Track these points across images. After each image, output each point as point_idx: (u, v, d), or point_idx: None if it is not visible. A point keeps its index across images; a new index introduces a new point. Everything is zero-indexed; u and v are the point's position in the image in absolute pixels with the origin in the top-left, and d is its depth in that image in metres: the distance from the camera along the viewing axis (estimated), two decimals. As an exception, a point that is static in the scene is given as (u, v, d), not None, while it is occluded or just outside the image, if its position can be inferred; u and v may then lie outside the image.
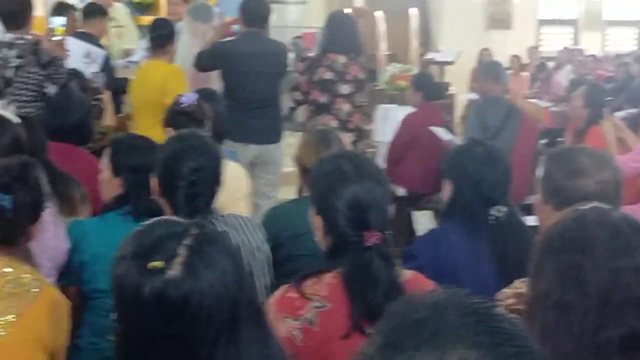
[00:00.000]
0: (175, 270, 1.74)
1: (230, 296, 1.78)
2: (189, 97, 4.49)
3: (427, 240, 3.63)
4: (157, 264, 1.74)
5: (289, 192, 7.36)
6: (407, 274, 2.61)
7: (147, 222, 1.90)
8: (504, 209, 3.47)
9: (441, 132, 7.47)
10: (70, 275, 3.62)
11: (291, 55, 7.29)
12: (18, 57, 5.66)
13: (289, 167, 8.71)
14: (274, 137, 6.86)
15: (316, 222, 2.64)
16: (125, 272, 1.77)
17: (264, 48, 6.75)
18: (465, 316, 1.06)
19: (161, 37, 6.40)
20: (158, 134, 5.90)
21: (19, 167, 2.90)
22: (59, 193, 4.01)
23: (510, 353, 1.03)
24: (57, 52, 5.83)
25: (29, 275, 2.80)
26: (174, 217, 1.93)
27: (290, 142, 10.57)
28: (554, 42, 18.00)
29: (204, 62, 6.65)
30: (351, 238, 2.51)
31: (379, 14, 11.72)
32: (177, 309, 1.73)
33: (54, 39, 5.95)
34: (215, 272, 1.76)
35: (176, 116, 4.40)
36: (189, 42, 7.07)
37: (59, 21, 6.05)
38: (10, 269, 2.77)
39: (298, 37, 8.77)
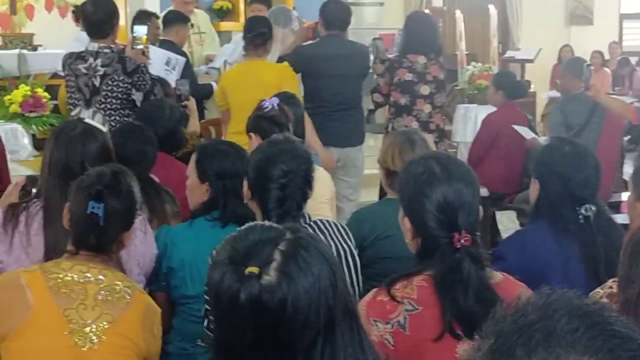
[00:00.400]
0: (270, 276, 1.75)
1: (325, 301, 1.77)
2: (271, 101, 4.50)
3: (514, 240, 3.59)
4: (253, 269, 1.75)
5: (370, 194, 7.35)
6: (497, 276, 2.59)
7: (241, 228, 1.90)
8: (593, 207, 3.41)
9: (524, 131, 7.39)
10: (159, 281, 3.66)
11: (370, 57, 7.27)
12: (104, 65, 5.75)
13: (370, 170, 8.75)
14: (356, 139, 6.86)
15: (406, 224, 2.62)
16: (221, 278, 1.78)
17: (345, 50, 6.75)
18: (577, 319, 1.03)
19: (262, 34, 6.32)
20: None
21: (111, 176, 2.92)
22: (152, 205, 4.07)
23: (625, 357, 1.00)
24: (140, 59, 5.90)
25: (122, 283, 2.84)
26: (268, 222, 1.93)
27: (370, 144, 10.57)
28: (637, 36, 17.65)
29: None
30: (441, 240, 2.49)
31: (457, 14, 11.64)
32: (273, 315, 1.74)
33: (137, 47, 6.02)
34: (310, 277, 1.76)
35: (259, 121, 4.42)
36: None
37: (142, 30, 6.11)
38: (103, 277, 2.81)
39: (377, 38, 8.74)
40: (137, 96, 5.77)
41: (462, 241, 2.47)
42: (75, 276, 2.78)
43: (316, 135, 6.12)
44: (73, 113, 5.83)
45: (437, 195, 2.51)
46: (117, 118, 5.75)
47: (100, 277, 2.80)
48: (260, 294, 1.73)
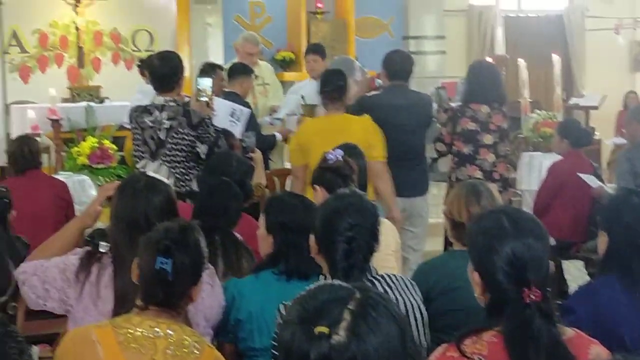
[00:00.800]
0: (340, 336, 1.75)
1: (395, 359, 1.77)
2: (335, 153, 4.52)
3: (583, 294, 3.54)
4: (322, 329, 1.75)
5: (435, 244, 7.32)
6: (568, 332, 2.55)
7: (311, 287, 1.91)
8: (665, 260, 3.35)
9: (590, 179, 7.32)
10: (226, 333, 3.68)
11: (434, 106, 7.28)
12: (169, 119, 5.84)
13: (434, 219, 8.72)
14: (421, 189, 6.84)
15: (475, 278, 2.61)
16: (291, 338, 1.78)
17: (409, 101, 6.77)
18: None
19: (340, 87, 6.21)
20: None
21: (178, 231, 2.94)
22: (229, 260, 4.11)
23: None
24: (205, 112, 5.98)
25: (191, 338, 2.84)
26: (337, 282, 1.93)
27: (434, 192, 10.54)
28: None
29: None
30: (510, 295, 2.47)
31: (520, 62, 11.60)
32: None
33: (201, 99, 6.11)
34: (379, 337, 1.76)
35: (324, 173, 4.44)
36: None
37: (206, 82, 6.19)
38: (172, 332, 2.82)
39: (441, 87, 8.75)
40: (202, 149, 5.84)
41: (532, 296, 2.44)
42: (144, 331, 2.79)
43: (393, 188, 6.13)
44: (139, 165, 5.92)
45: (506, 250, 2.50)
46: (182, 170, 5.83)
47: (169, 332, 2.81)
48: (330, 354, 1.73)
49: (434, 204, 8.46)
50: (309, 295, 1.85)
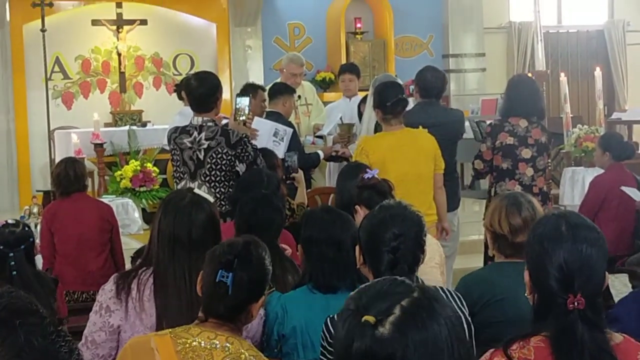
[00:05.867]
0: (385, 328, 1.75)
1: None
2: (372, 172, 4.57)
3: (630, 302, 3.52)
4: (369, 318, 1.75)
5: (475, 261, 7.28)
6: (617, 338, 2.53)
7: (379, 278, 1.92)
8: None
9: (633, 193, 7.26)
10: (271, 348, 3.69)
11: (466, 124, 7.27)
12: (207, 139, 5.88)
13: (475, 236, 8.69)
14: (451, 205, 6.80)
15: (526, 277, 2.61)
16: (342, 323, 1.80)
17: (441, 119, 6.76)
18: None
19: (402, 100, 6.11)
20: (428, 201, 6.03)
21: (242, 246, 2.98)
22: (273, 274, 4.14)
23: None
24: (242, 131, 6.03)
25: (248, 352, 2.87)
26: (404, 278, 1.93)
27: (475, 209, 10.51)
28: None
29: None
30: (556, 299, 2.46)
31: (562, 76, 11.56)
32: None
33: (240, 118, 6.16)
34: (423, 338, 1.75)
35: (362, 192, 4.46)
36: (372, 114, 7.13)
37: (244, 101, 6.24)
38: (230, 344, 2.85)
39: (481, 121, 8.81)
40: (241, 167, 5.87)
41: (576, 304, 2.43)
42: (202, 342, 2.83)
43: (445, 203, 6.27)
44: (179, 186, 5.96)
45: (558, 254, 2.49)
46: (222, 190, 5.85)
47: (227, 344, 2.84)
48: (372, 346, 1.74)
49: (475, 220, 8.43)
50: (371, 285, 1.87)
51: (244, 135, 5.95)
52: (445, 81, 7.03)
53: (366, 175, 4.54)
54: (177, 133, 6.03)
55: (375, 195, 4.39)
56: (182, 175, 6.00)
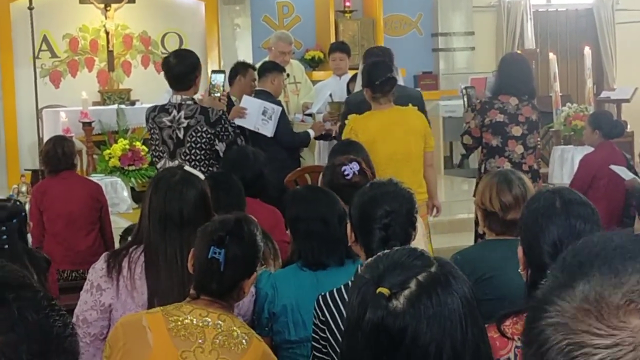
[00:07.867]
0: (399, 302, 1.74)
1: (451, 344, 1.74)
2: (352, 168, 4.42)
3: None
4: (384, 290, 1.74)
5: (465, 239, 7.30)
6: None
7: (398, 248, 1.90)
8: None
9: (622, 171, 7.27)
10: (262, 326, 3.69)
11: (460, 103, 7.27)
12: (187, 117, 5.85)
13: (465, 214, 8.71)
14: None
15: (519, 253, 2.62)
16: (357, 292, 1.79)
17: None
18: None
19: (391, 79, 6.06)
20: (418, 180, 5.98)
21: (234, 223, 2.97)
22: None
23: None
24: (218, 107, 6.04)
25: (240, 329, 2.87)
26: (423, 250, 1.91)
27: (464, 188, 10.53)
28: None
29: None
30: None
31: (551, 55, 11.55)
32: (392, 340, 1.73)
33: (214, 94, 6.19)
34: (437, 314, 1.74)
35: (342, 189, 4.25)
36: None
37: (219, 78, 6.29)
38: (222, 322, 2.85)
39: (470, 86, 8.75)
40: (220, 147, 5.85)
41: (569, 279, 2.43)
42: (194, 319, 2.83)
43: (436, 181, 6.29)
44: (158, 165, 5.94)
45: (552, 230, 2.51)
46: (202, 169, 5.81)
47: (219, 322, 2.84)
48: (384, 318, 1.73)
49: (465, 199, 8.45)
50: (388, 255, 1.85)
51: (222, 114, 5.94)
52: (391, 56, 7.01)
53: (346, 172, 4.43)
54: (155, 112, 5.99)
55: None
56: (161, 155, 5.96)
